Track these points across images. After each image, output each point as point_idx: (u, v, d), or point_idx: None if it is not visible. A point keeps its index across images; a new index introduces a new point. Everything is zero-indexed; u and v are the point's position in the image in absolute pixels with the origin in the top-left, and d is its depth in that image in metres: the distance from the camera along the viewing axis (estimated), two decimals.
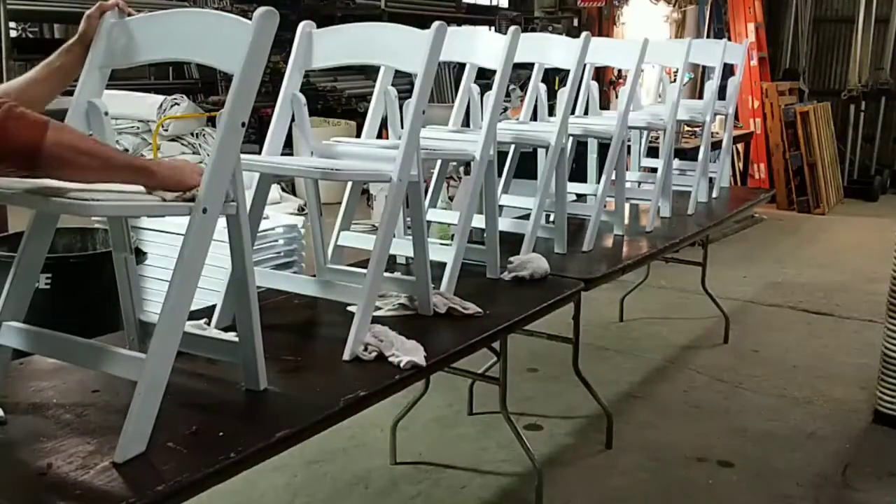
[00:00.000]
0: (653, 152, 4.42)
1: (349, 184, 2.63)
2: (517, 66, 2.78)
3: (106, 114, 1.82)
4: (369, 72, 8.68)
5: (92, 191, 1.54)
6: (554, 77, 6.37)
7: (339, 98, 9.35)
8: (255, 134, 6.76)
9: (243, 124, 1.62)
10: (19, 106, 1.47)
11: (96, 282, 2.95)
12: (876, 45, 9.73)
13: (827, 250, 6.96)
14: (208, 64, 1.75)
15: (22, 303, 1.75)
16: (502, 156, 3.10)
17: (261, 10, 1.61)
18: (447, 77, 9.99)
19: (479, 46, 2.87)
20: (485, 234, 2.81)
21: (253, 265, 1.82)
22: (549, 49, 3.23)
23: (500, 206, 3.24)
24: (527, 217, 3.10)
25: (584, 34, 3.10)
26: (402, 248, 2.62)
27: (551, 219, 3.24)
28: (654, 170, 4.04)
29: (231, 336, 1.90)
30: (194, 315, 2.01)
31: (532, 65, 3.41)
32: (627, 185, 3.65)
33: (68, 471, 1.49)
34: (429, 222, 2.81)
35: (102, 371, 1.69)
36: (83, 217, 1.70)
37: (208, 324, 2.14)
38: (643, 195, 4.04)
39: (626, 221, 3.73)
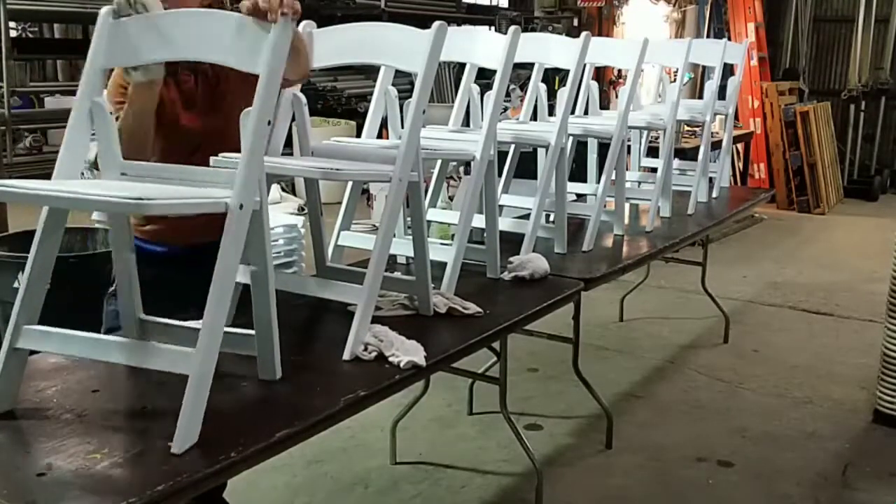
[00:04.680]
0: (653, 152, 4.42)
1: (349, 184, 2.63)
2: (517, 66, 2.77)
3: (111, 113, 1.82)
4: (369, 72, 8.67)
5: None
6: (554, 77, 6.37)
7: (339, 98, 9.34)
8: None
9: (269, 122, 1.69)
10: None
11: (96, 281, 2.94)
12: (876, 45, 9.72)
13: (827, 250, 6.96)
14: (226, 64, 1.74)
15: (37, 304, 1.74)
16: (502, 156, 3.10)
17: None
18: (447, 77, 9.97)
19: (479, 46, 2.86)
20: (485, 234, 2.81)
21: (273, 258, 1.85)
22: (549, 49, 3.23)
23: (500, 206, 3.24)
24: (527, 217, 3.09)
25: (584, 34, 3.09)
26: (402, 248, 2.61)
27: (551, 219, 3.23)
28: (654, 170, 4.04)
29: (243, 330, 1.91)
30: None
31: (532, 65, 3.41)
32: (627, 185, 3.65)
33: (68, 471, 1.49)
34: (429, 222, 2.81)
35: (107, 367, 1.69)
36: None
37: None
38: (643, 195, 4.04)
39: (626, 221, 3.73)
